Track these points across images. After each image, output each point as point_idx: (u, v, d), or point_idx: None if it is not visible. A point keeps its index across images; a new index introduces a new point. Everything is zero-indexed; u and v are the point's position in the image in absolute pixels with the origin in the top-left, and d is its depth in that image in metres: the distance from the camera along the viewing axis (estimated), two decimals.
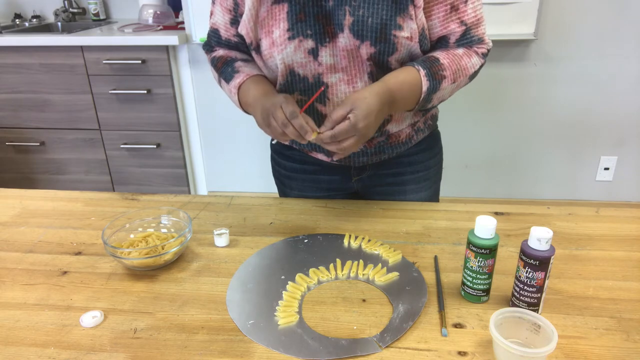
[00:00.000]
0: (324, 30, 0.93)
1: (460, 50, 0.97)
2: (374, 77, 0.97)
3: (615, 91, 2.42)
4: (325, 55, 0.94)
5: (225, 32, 1.05)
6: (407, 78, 0.92)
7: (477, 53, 0.99)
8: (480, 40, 0.99)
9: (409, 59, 0.97)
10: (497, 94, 2.48)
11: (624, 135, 2.51)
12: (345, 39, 0.92)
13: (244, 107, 1.02)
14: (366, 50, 0.92)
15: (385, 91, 0.89)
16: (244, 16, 0.95)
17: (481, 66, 1.01)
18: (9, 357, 0.70)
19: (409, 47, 0.93)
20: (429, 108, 1.00)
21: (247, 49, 1.04)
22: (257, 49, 0.98)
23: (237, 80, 1.01)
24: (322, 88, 0.94)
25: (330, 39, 0.93)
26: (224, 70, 1.04)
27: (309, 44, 0.93)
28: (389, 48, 0.92)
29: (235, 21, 1.02)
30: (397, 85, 0.91)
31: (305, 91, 1.00)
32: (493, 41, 2.37)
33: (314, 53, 0.94)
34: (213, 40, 1.08)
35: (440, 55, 0.96)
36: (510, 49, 2.38)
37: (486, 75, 2.44)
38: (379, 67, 0.96)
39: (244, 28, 0.97)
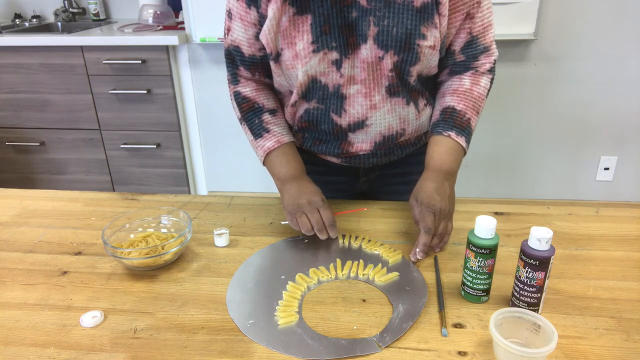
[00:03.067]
0: (347, 41, 0.92)
1: (467, 82, 1.00)
2: (392, 91, 0.97)
3: (615, 91, 2.42)
4: (347, 66, 0.93)
5: (249, 48, 0.99)
6: (445, 151, 0.98)
7: (482, 74, 1.01)
8: (486, 49, 1.00)
9: (427, 70, 0.98)
10: (497, 94, 2.48)
11: (624, 135, 2.51)
12: (367, 50, 0.92)
13: (270, 172, 1.05)
14: (390, 59, 0.92)
15: (432, 175, 0.96)
16: (265, 26, 0.92)
17: (492, 80, 1.03)
18: (9, 357, 0.70)
19: (431, 56, 0.94)
20: None
21: (275, 113, 1.06)
22: (277, 58, 0.96)
23: (267, 144, 1.02)
24: (364, 209, 1.05)
25: (353, 51, 0.92)
26: (250, 118, 1.04)
27: (334, 55, 0.92)
28: (412, 58, 0.92)
29: (258, 36, 0.97)
30: (441, 162, 0.97)
31: (323, 99, 0.99)
32: None
33: (337, 64, 0.93)
34: (237, 58, 1.01)
35: (454, 101, 1.00)
36: (510, 49, 2.38)
37: None
38: (399, 78, 0.95)
39: (264, 38, 0.93)
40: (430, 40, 0.91)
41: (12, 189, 1.22)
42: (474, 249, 0.75)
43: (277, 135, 1.03)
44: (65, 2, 2.85)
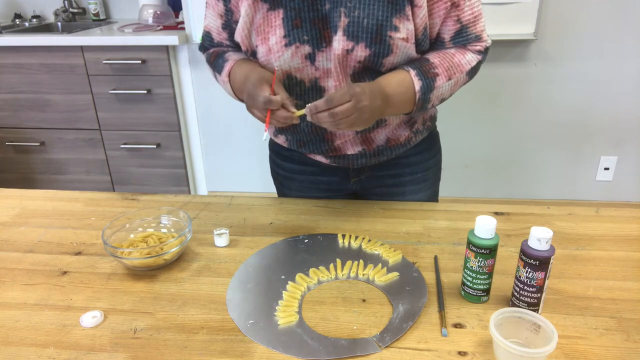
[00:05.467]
0: (320, 34, 0.92)
1: (452, 50, 0.97)
2: (356, 79, 0.96)
3: (615, 91, 2.42)
4: (322, 59, 0.94)
5: (218, 36, 1.05)
6: (396, 77, 0.93)
7: (471, 51, 0.98)
8: (478, 38, 0.98)
9: (405, 63, 0.96)
10: (497, 94, 2.48)
11: (623, 135, 2.51)
12: (337, 42, 0.92)
13: (238, 95, 1.02)
14: (360, 52, 0.92)
15: (376, 86, 0.89)
16: (239, 24, 0.95)
17: (479, 62, 0.99)
18: (9, 357, 0.70)
19: (405, 49, 0.93)
20: (429, 108, 0.99)
21: (239, 51, 1.05)
22: (254, 55, 0.98)
23: (226, 69, 1.01)
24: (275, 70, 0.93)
25: (327, 44, 0.93)
26: (216, 63, 1.05)
27: (306, 49, 0.93)
28: (384, 49, 0.91)
29: (226, 26, 1.02)
30: (387, 83, 0.91)
31: (301, 95, 1.00)
32: (493, 41, 2.38)
33: (311, 58, 0.94)
34: (207, 42, 1.09)
35: (431, 55, 0.97)
36: (510, 49, 2.38)
37: (486, 75, 2.44)
38: (371, 71, 0.95)
39: (239, 36, 0.97)
40: (403, 33, 0.90)
41: (12, 189, 1.22)
42: (474, 249, 0.75)
43: (233, 59, 1.01)
44: (65, 2, 2.85)
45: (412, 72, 0.93)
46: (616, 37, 2.32)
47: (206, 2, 1.03)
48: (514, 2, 2.22)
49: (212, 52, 1.08)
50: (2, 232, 1.03)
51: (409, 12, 0.90)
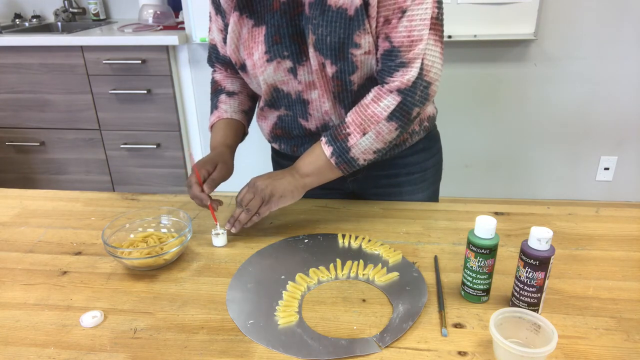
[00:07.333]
0: (300, 49, 0.94)
1: (370, 97, 0.93)
2: (338, 97, 0.97)
3: (615, 91, 2.42)
4: (303, 73, 0.96)
5: (222, 49, 1.08)
6: (310, 150, 0.98)
7: (389, 92, 0.90)
8: (403, 65, 0.88)
9: (372, 74, 0.95)
10: (497, 94, 2.48)
11: (624, 135, 2.51)
12: (313, 57, 0.93)
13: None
14: (329, 69, 0.93)
15: (288, 168, 0.99)
16: (227, 38, 0.98)
17: (401, 104, 0.90)
18: (9, 357, 0.70)
19: (369, 62, 0.92)
20: (365, 164, 0.96)
21: (230, 89, 1.11)
22: (243, 68, 1.00)
23: (212, 119, 1.12)
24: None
25: (307, 58, 0.94)
26: (211, 99, 1.15)
27: (287, 64, 0.95)
28: (349, 67, 0.92)
29: (226, 40, 1.03)
30: (300, 158, 0.99)
31: (289, 106, 1.02)
32: (493, 41, 2.38)
33: (293, 72, 0.96)
34: (213, 55, 1.12)
35: (350, 112, 0.95)
36: (510, 49, 2.38)
37: (486, 75, 2.44)
38: (342, 87, 0.95)
39: (228, 50, 1.00)
40: (365, 47, 0.89)
41: (12, 189, 1.22)
42: (474, 249, 0.75)
43: (221, 111, 1.11)
44: (65, 2, 2.85)
45: (323, 140, 0.96)
46: (616, 37, 2.32)
47: (210, 16, 1.06)
48: (514, 2, 2.22)
49: (214, 81, 1.15)
50: (2, 232, 1.03)
51: (368, 25, 0.88)
